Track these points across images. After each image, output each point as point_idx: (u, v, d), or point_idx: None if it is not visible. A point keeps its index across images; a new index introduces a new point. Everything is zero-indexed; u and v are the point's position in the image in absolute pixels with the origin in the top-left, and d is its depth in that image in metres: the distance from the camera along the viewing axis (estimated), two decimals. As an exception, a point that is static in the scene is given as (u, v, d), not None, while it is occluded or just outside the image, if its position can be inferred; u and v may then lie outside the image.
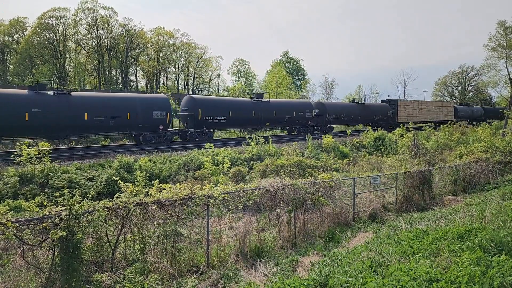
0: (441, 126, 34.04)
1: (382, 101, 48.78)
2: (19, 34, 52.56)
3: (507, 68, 35.09)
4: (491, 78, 38.02)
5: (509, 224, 6.69)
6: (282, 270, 6.49)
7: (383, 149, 24.67)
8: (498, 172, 16.10)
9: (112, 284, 5.43)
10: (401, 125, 32.47)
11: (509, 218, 7.10)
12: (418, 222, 9.26)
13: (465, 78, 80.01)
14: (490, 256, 5.11)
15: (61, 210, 5.43)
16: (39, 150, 14.24)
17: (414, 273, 4.72)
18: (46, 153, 14.15)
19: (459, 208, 10.50)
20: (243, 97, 49.41)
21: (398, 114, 44.66)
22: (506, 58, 34.54)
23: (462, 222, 7.64)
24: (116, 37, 54.14)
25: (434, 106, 52.28)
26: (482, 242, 5.59)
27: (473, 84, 79.99)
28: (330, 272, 5.39)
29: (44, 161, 13.94)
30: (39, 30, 48.69)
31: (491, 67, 36.49)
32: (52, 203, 5.65)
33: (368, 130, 29.51)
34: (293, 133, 34.30)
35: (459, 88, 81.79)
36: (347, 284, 4.80)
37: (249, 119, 29.67)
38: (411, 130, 23.25)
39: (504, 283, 4.30)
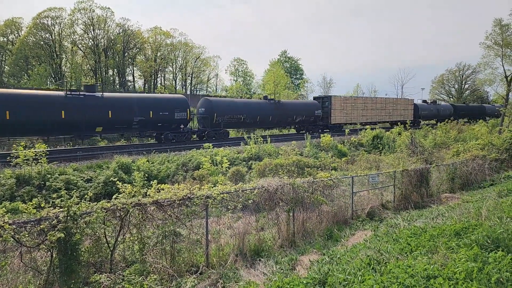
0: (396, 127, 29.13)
1: (314, 98, 39.92)
2: (14, 35, 52.24)
3: (503, 66, 35.26)
4: (488, 76, 38.08)
5: (506, 221, 6.74)
6: (282, 269, 6.51)
7: (381, 147, 24.78)
8: (494, 169, 16.23)
9: (111, 285, 5.43)
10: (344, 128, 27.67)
11: (506, 215, 7.16)
12: (416, 219, 9.30)
13: (462, 76, 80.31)
14: (487, 253, 5.14)
15: (58, 211, 5.42)
16: (35, 151, 14.20)
17: (412, 270, 4.75)
18: (43, 155, 14.11)
19: (456, 205, 10.56)
20: (242, 96, 49.34)
21: (332, 113, 36.00)
22: (502, 56, 34.68)
23: (459, 219, 7.68)
24: (113, 37, 53.95)
25: (385, 104, 42.76)
26: (479, 238, 5.63)
27: (469, 82, 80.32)
28: (329, 270, 5.41)
29: (41, 162, 13.90)
30: (34, 31, 48.39)
31: (488, 65, 36.61)
32: (50, 205, 5.64)
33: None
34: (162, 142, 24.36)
35: (456, 86, 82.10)
36: (346, 282, 4.82)
37: (56, 122, 19.31)
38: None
39: (501, 279, 4.33)
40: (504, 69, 35.32)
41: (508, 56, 34.63)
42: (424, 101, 54.74)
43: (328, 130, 34.41)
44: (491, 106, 63.33)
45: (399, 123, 34.41)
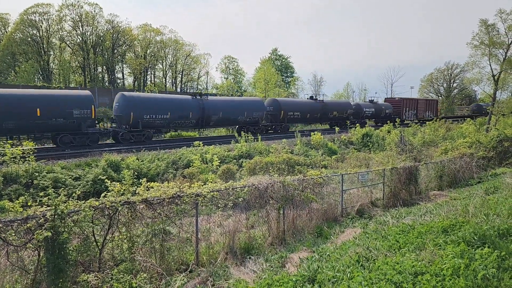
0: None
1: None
2: (1, 31, 51.22)
3: (490, 65, 35.68)
4: (475, 75, 38.46)
5: (492, 218, 6.88)
6: (271, 267, 6.52)
7: (371, 145, 24.96)
8: (482, 167, 16.49)
9: (100, 284, 5.37)
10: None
11: (492, 212, 7.30)
12: (404, 217, 9.41)
13: (450, 75, 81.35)
14: (474, 249, 5.24)
15: (46, 210, 5.33)
16: (23, 149, 13.94)
17: (400, 266, 4.81)
18: (31, 153, 13.86)
19: (444, 203, 10.72)
20: (233, 94, 49.10)
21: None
22: (489, 55, 35.15)
23: (446, 217, 7.80)
24: (101, 34, 53.23)
25: None
26: (466, 235, 5.72)
27: (458, 81, 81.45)
28: (319, 267, 5.45)
29: (29, 160, 13.66)
30: (21, 27, 47.49)
31: (475, 64, 36.97)
32: (37, 203, 5.55)
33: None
34: None
35: (445, 85, 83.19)
36: (335, 279, 4.86)
37: None
38: None
39: (487, 275, 4.41)
40: (491, 68, 35.77)
41: (494, 55, 35.12)
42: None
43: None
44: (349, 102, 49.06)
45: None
